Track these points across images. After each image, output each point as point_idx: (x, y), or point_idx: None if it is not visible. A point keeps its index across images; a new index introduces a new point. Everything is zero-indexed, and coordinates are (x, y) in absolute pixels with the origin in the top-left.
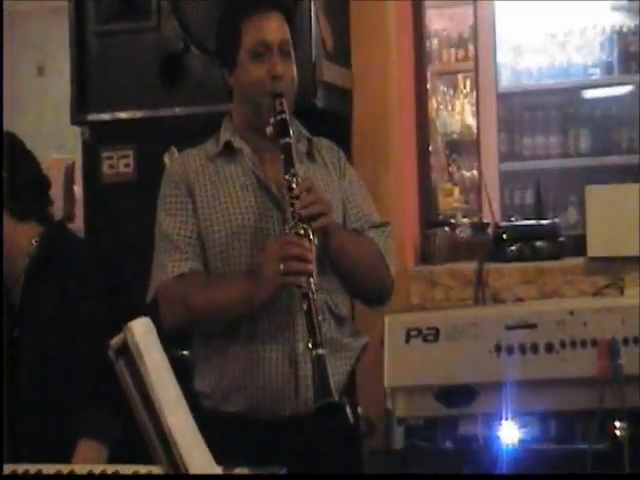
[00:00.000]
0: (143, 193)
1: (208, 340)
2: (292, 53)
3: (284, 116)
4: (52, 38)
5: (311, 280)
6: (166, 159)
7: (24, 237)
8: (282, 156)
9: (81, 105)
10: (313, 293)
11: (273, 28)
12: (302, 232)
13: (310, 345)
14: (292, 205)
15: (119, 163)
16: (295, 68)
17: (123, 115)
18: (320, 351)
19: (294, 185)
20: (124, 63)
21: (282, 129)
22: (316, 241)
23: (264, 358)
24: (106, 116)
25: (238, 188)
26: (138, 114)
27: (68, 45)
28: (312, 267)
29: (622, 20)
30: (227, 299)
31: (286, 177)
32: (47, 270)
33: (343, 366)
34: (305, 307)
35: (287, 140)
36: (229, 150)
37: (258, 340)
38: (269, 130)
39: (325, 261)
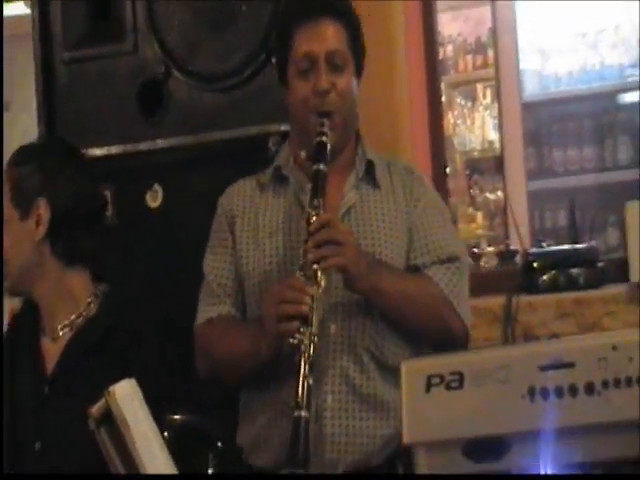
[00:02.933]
0: (123, 238)
1: (245, 391)
2: (349, 64)
3: (323, 139)
4: (18, 68)
5: (304, 329)
6: (149, 199)
7: (79, 286)
8: (310, 184)
9: None
10: (309, 344)
11: (321, 37)
12: (310, 274)
13: (293, 403)
14: (306, 242)
15: None
16: (351, 81)
17: (98, 151)
18: (303, 413)
19: (313, 219)
20: (98, 92)
21: (317, 153)
22: (323, 284)
23: (288, 411)
24: None
25: (281, 220)
26: (115, 149)
27: (33, 76)
28: (306, 310)
29: None
30: (239, 350)
31: (308, 209)
32: (109, 344)
33: (385, 428)
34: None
35: (320, 167)
36: (279, 177)
37: (283, 390)
38: (303, 154)
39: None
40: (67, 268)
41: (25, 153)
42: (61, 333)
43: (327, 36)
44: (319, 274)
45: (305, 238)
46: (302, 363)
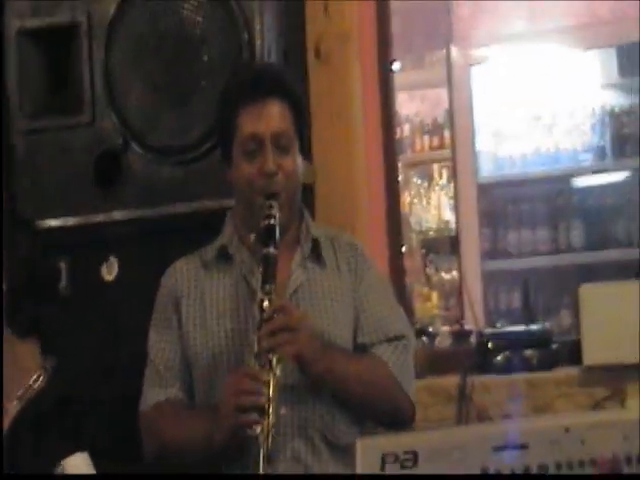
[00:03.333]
0: (78, 311)
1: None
2: (294, 144)
3: (272, 221)
4: None
5: (263, 420)
6: (104, 271)
7: (28, 358)
8: (260, 269)
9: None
10: (267, 434)
11: (267, 118)
12: (264, 362)
13: None
14: (259, 329)
15: None
16: (297, 162)
17: (54, 222)
18: None
19: (265, 304)
20: (55, 163)
21: (266, 237)
22: (277, 372)
23: None
24: (34, 225)
25: (228, 301)
26: (71, 221)
27: None
28: (263, 401)
29: (614, 99)
30: (190, 437)
31: (259, 295)
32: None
33: None
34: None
35: (270, 251)
36: (224, 256)
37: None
38: (252, 237)
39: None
40: (18, 341)
41: None
42: (10, 406)
43: (273, 117)
44: (274, 362)
45: (258, 325)
46: (261, 454)
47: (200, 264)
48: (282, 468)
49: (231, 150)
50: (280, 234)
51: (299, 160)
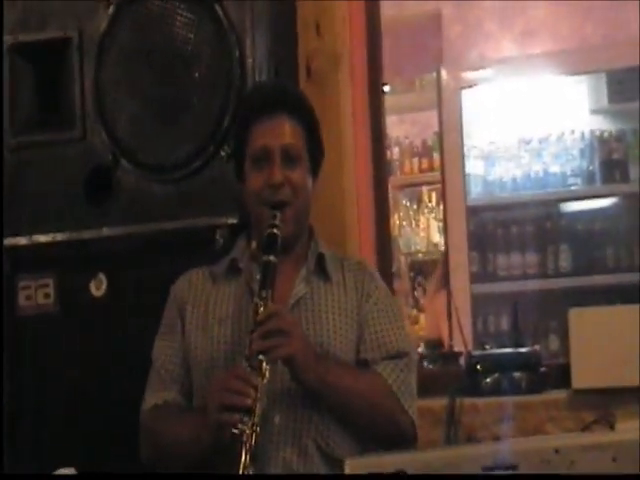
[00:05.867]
0: (65, 328)
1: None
2: (303, 159)
3: (274, 230)
4: None
5: (246, 419)
6: (93, 288)
7: None
8: (258, 276)
9: None
10: (251, 435)
11: (277, 132)
12: (255, 364)
13: None
14: (252, 332)
15: (37, 293)
16: (305, 177)
17: (42, 238)
18: None
19: (260, 309)
20: (44, 179)
21: (267, 244)
22: (268, 375)
23: None
24: (23, 240)
25: (231, 308)
26: (59, 237)
27: None
28: (249, 402)
29: (603, 124)
30: (181, 438)
31: (255, 299)
32: None
33: None
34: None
35: (269, 258)
36: (234, 269)
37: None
38: (254, 244)
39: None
40: None
41: None
42: None
43: (283, 131)
44: (264, 365)
45: (252, 328)
46: (243, 453)
47: (209, 276)
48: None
49: (243, 164)
50: (286, 248)
51: (308, 176)
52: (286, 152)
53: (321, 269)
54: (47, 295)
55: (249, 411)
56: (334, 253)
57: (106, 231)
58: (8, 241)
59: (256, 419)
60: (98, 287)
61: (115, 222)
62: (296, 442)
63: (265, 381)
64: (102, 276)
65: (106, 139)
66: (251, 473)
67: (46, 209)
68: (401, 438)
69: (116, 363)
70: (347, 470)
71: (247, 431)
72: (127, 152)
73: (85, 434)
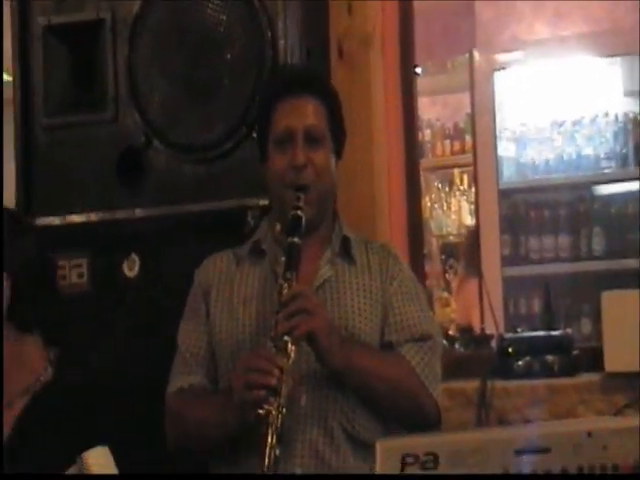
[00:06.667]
0: (98, 307)
1: (214, 462)
2: (327, 140)
3: (298, 212)
4: None
5: (272, 399)
6: (126, 268)
7: (33, 352)
8: (282, 258)
9: (27, 209)
10: (277, 415)
11: (300, 113)
12: (281, 345)
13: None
14: (277, 313)
15: (72, 273)
16: (329, 158)
17: (76, 219)
18: None
19: (285, 291)
20: (77, 160)
21: (291, 227)
22: (293, 356)
23: None
24: (56, 220)
25: (255, 290)
26: (93, 217)
27: (12, 142)
28: (273, 382)
29: (637, 107)
30: (207, 420)
31: (280, 281)
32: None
33: None
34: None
35: (294, 240)
36: (257, 251)
37: (252, 462)
38: (278, 227)
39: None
40: (23, 336)
41: None
42: (16, 399)
43: (306, 112)
44: (289, 346)
45: (276, 309)
46: (269, 434)
47: (233, 259)
48: (299, 458)
49: (267, 146)
50: (310, 230)
51: (332, 158)
52: (309, 133)
53: (346, 252)
54: (81, 275)
55: (275, 391)
56: (358, 236)
57: (138, 212)
58: (41, 221)
59: (282, 400)
60: (131, 268)
61: (147, 203)
62: (322, 424)
63: (290, 362)
64: (135, 256)
65: (138, 120)
66: (277, 454)
67: (79, 189)
68: (425, 420)
69: (148, 343)
70: (378, 451)
71: (273, 412)
72: (159, 133)
73: (115, 413)
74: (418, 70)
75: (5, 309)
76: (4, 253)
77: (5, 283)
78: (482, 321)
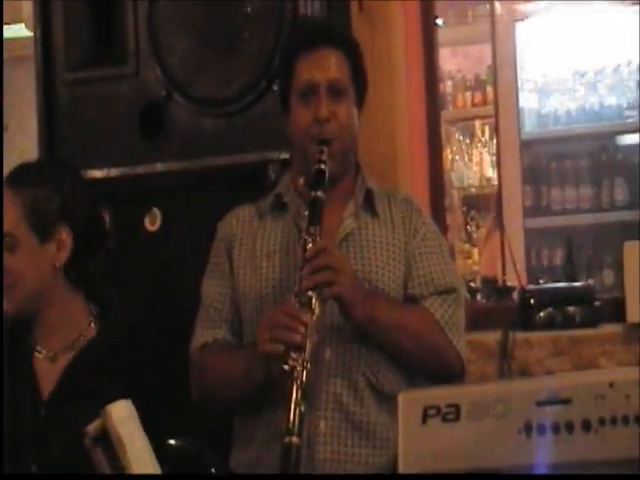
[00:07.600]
0: (120, 259)
1: (239, 416)
2: (349, 93)
3: (322, 166)
4: (16, 91)
5: (297, 355)
6: (148, 222)
7: (78, 307)
8: (307, 212)
9: None
10: (301, 371)
11: (323, 66)
12: (305, 300)
13: (283, 429)
14: (302, 268)
15: None
16: (352, 111)
17: (97, 173)
18: (293, 440)
19: (309, 246)
20: (98, 115)
21: (315, 180)
22: (318, 311)
23: (281, 437)
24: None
25: (278, 243)
26: (114, 172)
27: (33, 98)
28: (298, 339)
29: None
30: (231, 375)
31: (303, 235)
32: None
33: (377, 457)
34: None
35: (317, 194)
36: (279, 204)
37: (277, 416)
38: (301, 181)
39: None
40: (72, 291)
41: (33, 173)
42: (61, 354)
43: (329, 65)
44: (314, 301)
45: (301, 265)
46: (294, 389)
47: (255, 212)
48: (322, 411)
49: (289, 99)
50: (333, 183)
51: (354, 111)
52: (332, 86)
53: (369, 205)
54: None
55: (299, 347)
56: (381, 188)
57: (160, 166)
58: None
59: (306, 355)
60: (153, 222)
61: (168, 157)
62: (346, 376)
63: (315, 318)
64: (156, 211)
65: (159, 74)
66: (302, 409)
67: (100, 144)
68: (449, 373)
69: (171, 298)
70: (400, 402)
71: (298, 367)
72: (180, 87)
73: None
74: (439, 21)
75: (62, 262)
76: (64, 206)
77: (65, 236)
78: (504, 273)
